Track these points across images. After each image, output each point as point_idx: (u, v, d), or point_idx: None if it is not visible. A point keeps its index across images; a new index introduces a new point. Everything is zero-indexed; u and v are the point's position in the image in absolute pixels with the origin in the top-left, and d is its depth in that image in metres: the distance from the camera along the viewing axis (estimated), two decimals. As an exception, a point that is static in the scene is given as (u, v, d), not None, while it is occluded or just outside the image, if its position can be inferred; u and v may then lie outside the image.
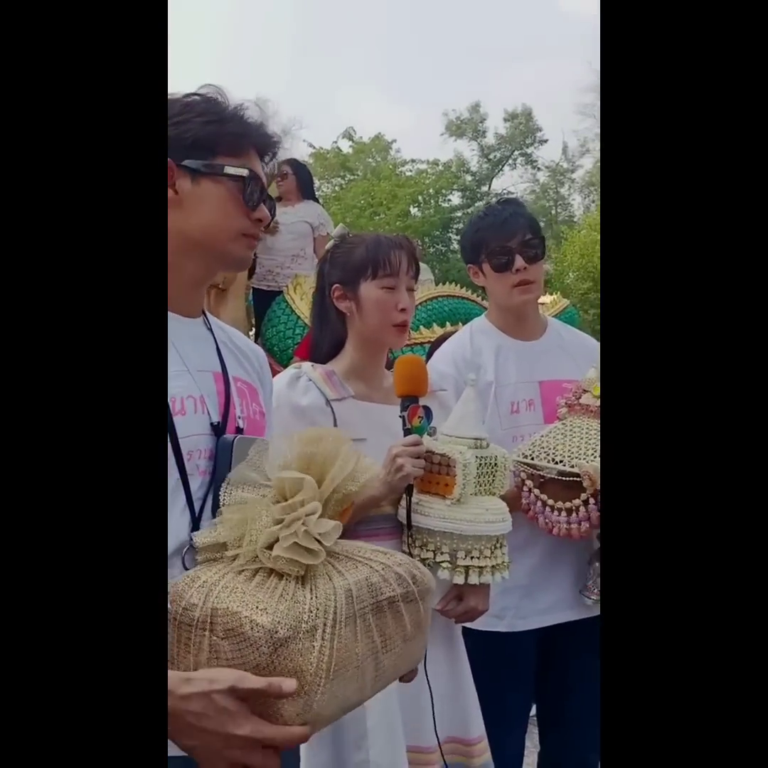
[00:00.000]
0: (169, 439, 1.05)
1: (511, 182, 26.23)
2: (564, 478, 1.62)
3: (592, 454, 1.59)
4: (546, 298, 5.67)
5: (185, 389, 1.10)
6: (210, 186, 1.11)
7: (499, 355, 1.86)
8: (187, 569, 1.03)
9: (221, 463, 1.09)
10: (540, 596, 1.77)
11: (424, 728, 1.49)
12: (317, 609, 0.93)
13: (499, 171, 25.86)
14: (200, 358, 1.15)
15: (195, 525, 1.07)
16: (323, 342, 1.66)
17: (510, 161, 25.88)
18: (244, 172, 1.12)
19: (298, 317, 4.58)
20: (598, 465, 1.54)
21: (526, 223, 1.83)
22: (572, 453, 1.62)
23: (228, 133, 1.12)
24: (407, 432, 1.47)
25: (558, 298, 5.62)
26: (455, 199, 24.42)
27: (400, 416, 1.49)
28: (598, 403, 1.64)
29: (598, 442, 1.59)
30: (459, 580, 1.45)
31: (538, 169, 25.98)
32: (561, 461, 1.62)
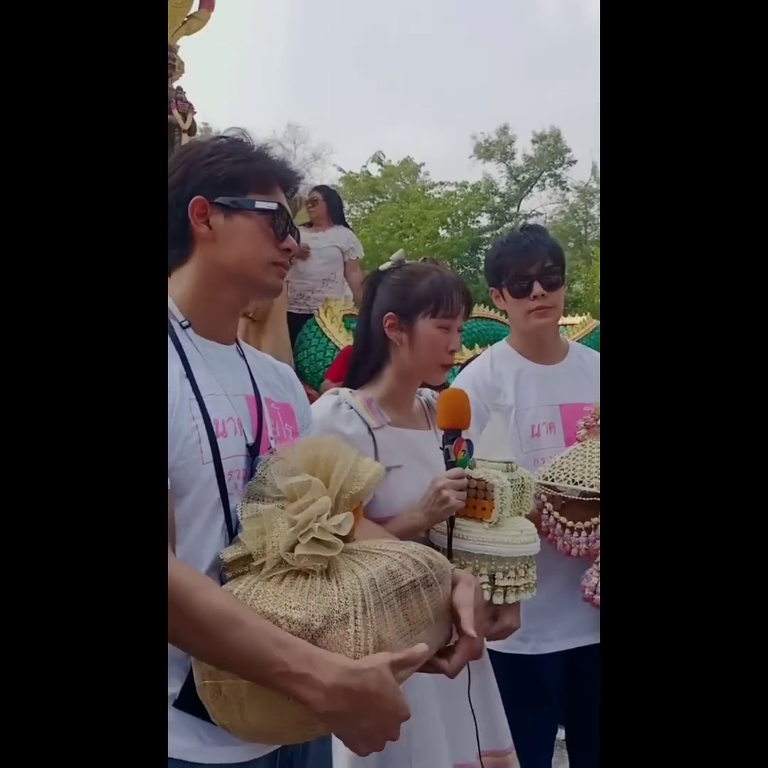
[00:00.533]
0: (212, 461, 1.10)
1: (540, 203, 26.30)
2: (584, 499, 1.65)
3: None
4: (575, 319, 5.67)
5: (226, 412, 1.15)
6: (242, 220, 1.18)
7: (519, 379, 1.88)
8: (222, 585, 1.08)
9: None
10: (563, 619, 1.78)
11: (464, 744, 1.50)
12: (346, 598, 0.99)
13: (527, 192, 25.90)
14: (235, 382, 1.21)
15: (232, 541, 1.12)
16: (364, 366, 1.65)
17: (539, 182, 25.91)
18: (274, 205, 1.19)
19: (329, 340, 4.64)
20: None
21: (546, 250, 1.85)
22: (592, 473, 1.64)
23: (256, 171, 1.19)
24: (450, 465, 1.50)
25: (588, 319, 5.60)
26: (484, 220, 24.51)
27: (442, 448, 1.51)
28: None
29: None
30: (498, 600, 1.48)
31: (568, 189, 25.97)
32: (580, 481, 1.65)
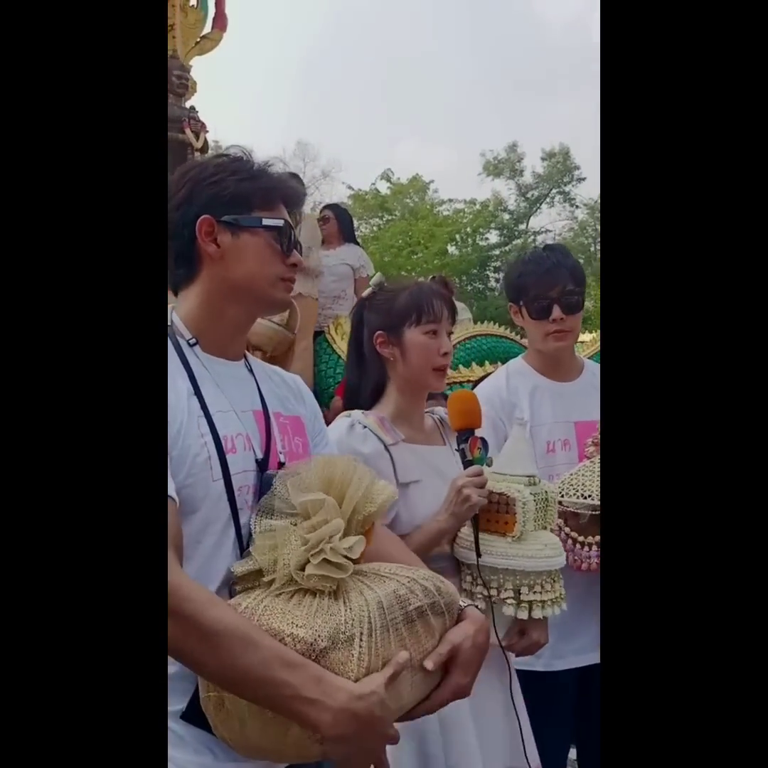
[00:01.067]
0: (222, 478, 1.11)
1: (549, 220, 26.30)
2: (594, 513, 1.66)
3: None
4: (586, 337, 5.66)
5: (234, 428, 1.16)
6: (249, 238, 1.19)
7: (534, 395, 1.90)
8: (231, 598, 1.09)
9: None
10: (576, 636, 1.78)
11: (494, 761, 1.52)
12: (353, 620, 0.99)
13: (537, 209, 25.95)
14: (243, 398, 1.22)
15: (243, 556, 1.12)
16: (362, 388, 1.70)
17: (548, 199, 25.97)
18: (280, 222, 1.21)
19: (339, 357, 4.67)
20: None
21: (567, 273, 1.87)
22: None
23: (260, 188, 1.21)
24: (468, 463, 1.53)
25: (598, 337, 5.61)
26: (493, 237, 24.56)
27: (457, 450, 1.54)
28: None
29: None
30: (523, 615, 1.48)
31: (577, 206, 26.00)
32: (590, 496, 1.67)
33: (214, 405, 1.15)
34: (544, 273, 1.86)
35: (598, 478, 1.68)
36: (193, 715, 1.06)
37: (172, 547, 0.99)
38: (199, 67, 5.51)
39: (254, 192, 1.20)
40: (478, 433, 1.55)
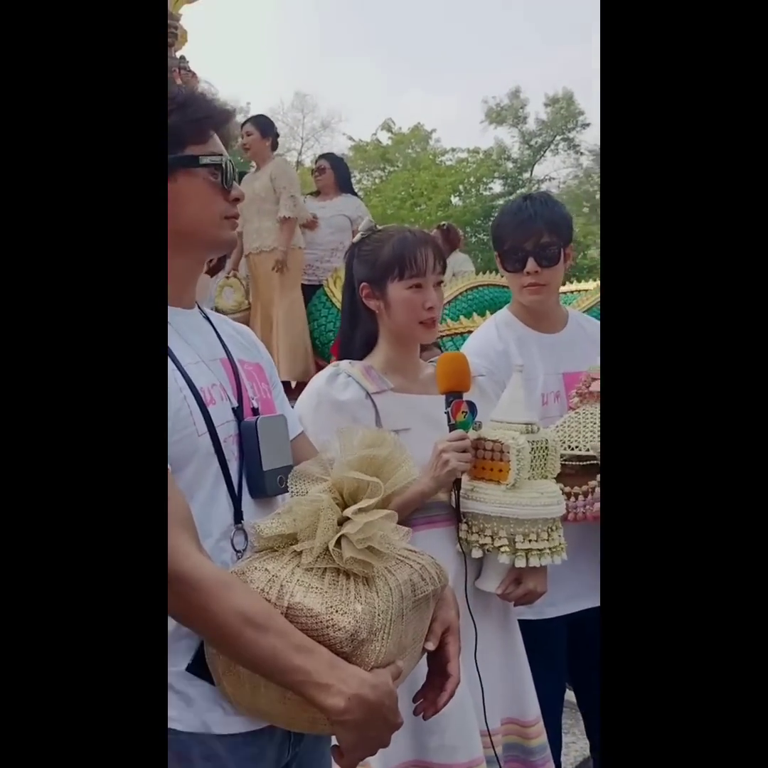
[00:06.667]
0: (207, 430, 1.08)
1: (554, 168, 25.98)
2: (580, 463, 1.65)
3: None
4: (589, 285, 5.59)
5: (208, 379, 1.12)
6: (186, 179, 1.11)
7: (522, 347, 1.87)
8: (236, 551, 1.08)
9: (249, 445, 1.13)
10: (567, 583, 1.76)
11: (484, 712, 1.52)
12: (383, 611, 0.99)
13: (540, 157, 25.56)
14: (207, 347, 1.17)
15: (236, 507, 1.11)
16: (355, 338, 1.67)
17: (552, 146, 25.55)
18: (219, 159, 1.12)
19: (339, 310, 4.62)
20: None
21: (543, 225, 1.80)
22: (586, 438, 1.65)
23: (190, 120, 1.11)
24: (452, 427, 1.50)
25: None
26: (497, 186, 24.25)
27: (444, 412, 1.51)
28: None
29: None
30: (520, 563, 1.48)
31: (582, 153, 25.57)
32: (576, 447, 1.65)
33: (184, 357, 1.10)
34: (518, 224, 1.80)
35: (583, 428, 1.67)
36: (200, 669, 1.04)
37: (179, 527, 0.97)
38: (189, 16, 5.36)
39: (184, 125, 1.10)
40: (466, 396, 1.52)
